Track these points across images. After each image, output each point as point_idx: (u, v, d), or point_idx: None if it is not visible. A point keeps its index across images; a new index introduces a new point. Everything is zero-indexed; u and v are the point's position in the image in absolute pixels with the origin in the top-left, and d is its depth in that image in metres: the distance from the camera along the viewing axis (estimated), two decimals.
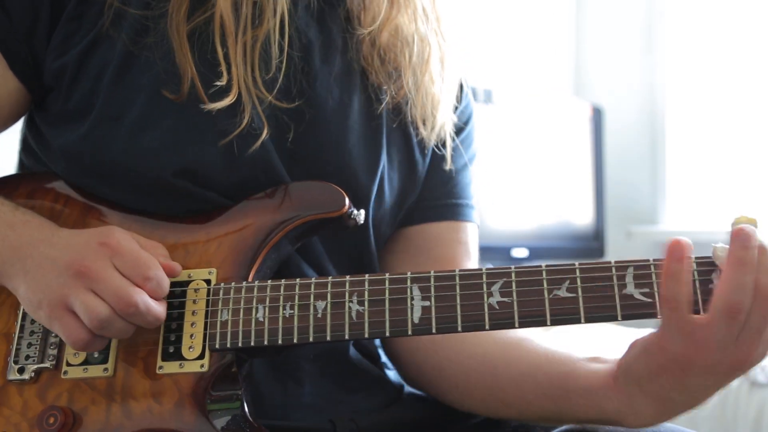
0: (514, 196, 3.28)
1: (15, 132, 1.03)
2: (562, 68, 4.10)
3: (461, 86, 1.07)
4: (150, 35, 0.89)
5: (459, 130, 1.06)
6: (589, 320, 0.73)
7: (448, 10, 1.01)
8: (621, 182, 3.88)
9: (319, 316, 0.80)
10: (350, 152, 0.95)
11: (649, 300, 0.74)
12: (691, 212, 3.81)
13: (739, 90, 3.67)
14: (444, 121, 1.00)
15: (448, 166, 1.03)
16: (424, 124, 0.99)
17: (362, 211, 0.89)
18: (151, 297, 0.79)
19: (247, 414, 0.80)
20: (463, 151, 1.06)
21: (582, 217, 3.57)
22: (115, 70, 0.89)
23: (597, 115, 3.67)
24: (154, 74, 0.88)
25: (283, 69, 0.91)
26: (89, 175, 0.91)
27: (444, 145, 1.02)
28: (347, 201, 0.87)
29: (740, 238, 0.70)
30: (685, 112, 3.85)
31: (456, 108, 1.05)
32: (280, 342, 0.80)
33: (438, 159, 1.03)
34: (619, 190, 3.87)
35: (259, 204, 0.89)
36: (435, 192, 1.04)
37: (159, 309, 0.80)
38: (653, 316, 0.73)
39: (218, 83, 0.87)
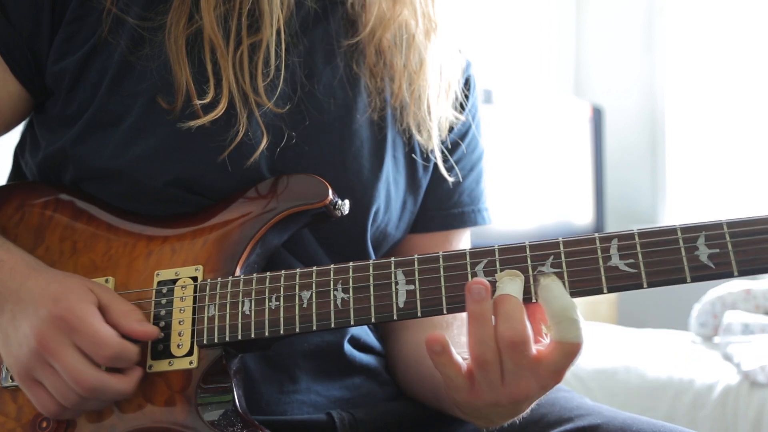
0: (514, 196, 3.28)
1: (15, 135, 1.03)
2: (562, 68, 4.11)
3: (466, 85, 1.06)
4: (146, 46, 0.88)
5: (463, 133, 1.05)
6: (574, 295, 0.72)
7: (448, 13, 1.00)
8: (621, 182, 3.88)
9: (305, 306, 0.79)
10: (354, 156, 0.94)
11: (635, 270, 0.72)
12: (691, 212, 3.81)
13: (738, 90, 3.67)
14: (442, 125, 0.99)
15: (453, 172, 1.01)
16: (419, 128, 0.97)
17: (346, 202, 0.88)
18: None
19: (239, 408, 0.80)
20: (469, 153, 1.05)
21: (582, 217, 3.57)
22: (112, 78, 0.88)
23: (597, 115, 3.67)
24: (150, 84, 0.88)
25: (282, 75, 0.90)
26: (78, 179, 0.91)
27: (448, 151, 1.01)
28: (330, 192, 0.86)
29: (472, 294, 0.70)
30: (685, 111, 3.85)
31: (461, 110, 1.03)
32: (266, 334, 0.79)
33: (442, 166, 1.01)
34: (619, 190, 3.87)
35: (245, 199, 0.88)
36: (440, 201, 1.03)
37: (121, 385, 0.78)
38: (639, 287, 0.72)
39: (206, 97, 0.86)
